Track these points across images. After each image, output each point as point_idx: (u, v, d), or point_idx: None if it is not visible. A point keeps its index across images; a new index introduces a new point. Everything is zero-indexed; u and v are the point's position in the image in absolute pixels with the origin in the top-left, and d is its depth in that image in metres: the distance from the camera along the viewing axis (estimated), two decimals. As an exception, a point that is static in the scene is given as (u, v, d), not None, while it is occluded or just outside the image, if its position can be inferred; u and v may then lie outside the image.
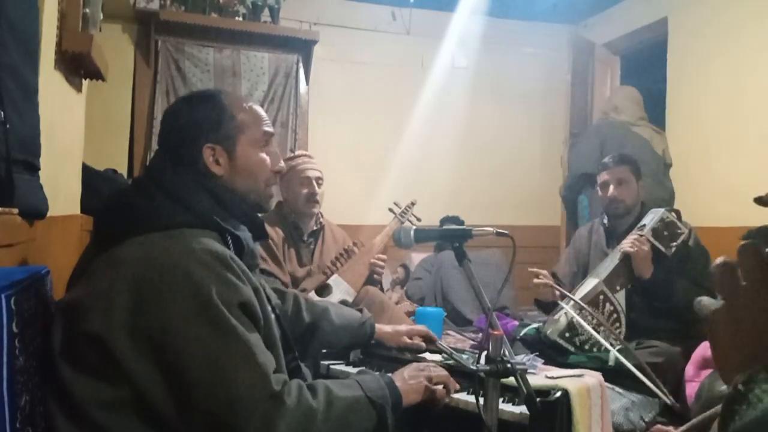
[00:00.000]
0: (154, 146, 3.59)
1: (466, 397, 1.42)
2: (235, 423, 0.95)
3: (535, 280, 2.36)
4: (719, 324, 0.54)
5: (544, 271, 2.39)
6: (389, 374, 1.23)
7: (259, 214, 1.26)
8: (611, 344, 2.09)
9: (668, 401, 1.98)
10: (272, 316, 1.15)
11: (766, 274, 0.51)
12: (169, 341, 0.96)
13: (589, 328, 2.12)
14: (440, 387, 1.25)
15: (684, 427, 0.87)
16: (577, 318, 2.14)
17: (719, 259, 0.54)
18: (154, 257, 0.99)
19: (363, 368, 1.58)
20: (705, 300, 0.58)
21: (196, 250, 1.00)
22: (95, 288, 0.99)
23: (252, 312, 1.04)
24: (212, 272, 1.00)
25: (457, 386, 1.34)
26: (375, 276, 2.48)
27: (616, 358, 2.05)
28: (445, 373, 1.28)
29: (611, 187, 2.47)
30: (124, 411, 0.97)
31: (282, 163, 1.26)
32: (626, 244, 2.28)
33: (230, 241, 1.10)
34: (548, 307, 2.48)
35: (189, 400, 0.96)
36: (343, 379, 1.16)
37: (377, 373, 1.41)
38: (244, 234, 1.16)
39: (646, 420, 2.00)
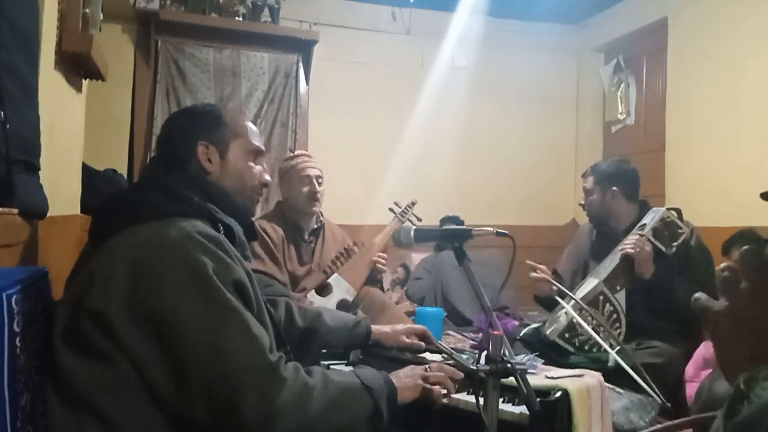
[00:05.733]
0: (154, 146, 3.58)
1: (466, 397, 1.42)
2: (233, 395, 0.97)
3: (532, 275, 2.37)
4: (722, 325, 0.55)
5: (542, 266, 2.40)
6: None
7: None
8: (610, 345, 2.09)
9: (661, 401, 1.96)
10: (264, 305, 1.18)
11: (766, 276, 0.51)
12: (166, 316, 0.98)
13: (588, 328, 2.11)
14: (437, 387, 1.25)
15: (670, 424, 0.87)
16: (577, 318, 2.14)
17: (723, 265, 0.55)
18: (150, 239, 1.04)
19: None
20: (703, 298, 0.59)
21: (192, 232, 1.05)
22: (95, 272, 1.03)
23: (245, 292, 1.08)
24: (207, 251, 1.04)
25: (453, 388, 1.33)
26: (378, 276, 2.48)
27: (616, 359, 2.04)
28: (442, 374, 1.28)
29: (582, 197, 2.61)
30: (124, 392, 0.98)
31: (268, 177, 1.35)
32: (628, 246, 2.27)
33: (222, 230, 1.15)
34: (547, 303, 2.47)
35: (187, 374, 0.98)
36: (340, 370, 1.19)
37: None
38: (236, 225, 1.20)
39: (646, 420, 2.00)
